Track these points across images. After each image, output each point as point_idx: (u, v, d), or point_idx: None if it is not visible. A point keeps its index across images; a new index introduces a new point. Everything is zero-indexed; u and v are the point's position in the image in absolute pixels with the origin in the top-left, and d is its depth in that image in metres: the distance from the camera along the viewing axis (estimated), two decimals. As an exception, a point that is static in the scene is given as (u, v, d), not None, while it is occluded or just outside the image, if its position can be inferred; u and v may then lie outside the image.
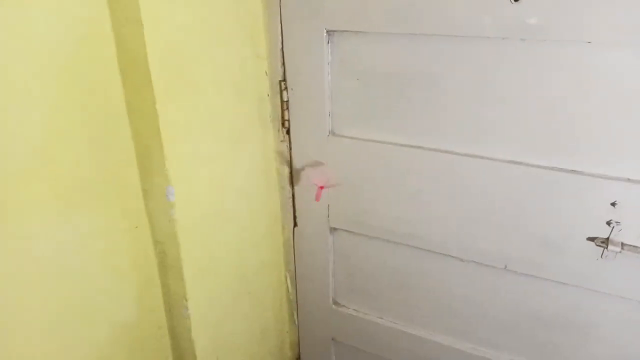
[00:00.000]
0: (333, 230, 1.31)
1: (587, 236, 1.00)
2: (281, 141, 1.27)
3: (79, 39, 0.85)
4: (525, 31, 0.90)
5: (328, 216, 1.29)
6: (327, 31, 1.10)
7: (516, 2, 0.89)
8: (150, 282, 1.10)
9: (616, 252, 0.97)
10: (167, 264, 1.07)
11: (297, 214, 1.35)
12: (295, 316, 1.49)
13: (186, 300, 1.09)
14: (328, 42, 1.11)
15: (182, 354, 1.17)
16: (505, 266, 1.11)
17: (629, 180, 0.93)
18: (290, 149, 1.27)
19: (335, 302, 1.41)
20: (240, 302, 1.29)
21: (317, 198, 1.23)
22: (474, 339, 1.23)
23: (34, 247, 0.86)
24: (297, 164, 1.28)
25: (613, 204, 0.95)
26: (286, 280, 1.46)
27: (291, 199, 1.34)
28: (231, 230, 1.20)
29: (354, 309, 1.39)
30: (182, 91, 0.97)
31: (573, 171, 0.97)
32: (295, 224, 1.36)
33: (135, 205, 1.02)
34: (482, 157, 1.04)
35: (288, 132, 1.25)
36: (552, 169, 0.99)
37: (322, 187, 1.21)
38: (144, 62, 0.88)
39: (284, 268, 1.44)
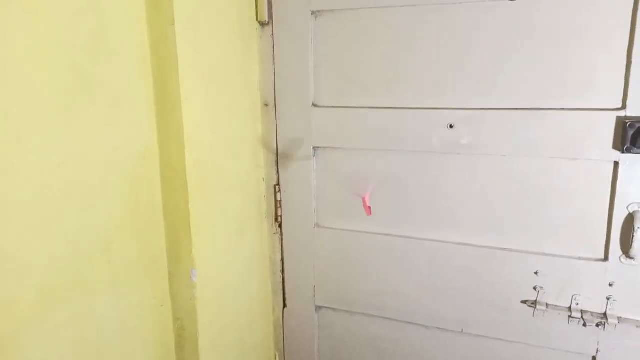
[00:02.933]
0: (318, 308, 1.54)
1: (521, 299, 1.29)
2: (274, 233, 1.54)
3: (135, 156, 1.13)
4: (459, 148, 1.27)
5: (314, 296, 1.53)
6: (314, 147, 1.43)
7: (452, 129, 1.26)
8: (167, 355, 1.27)
9: (543, 311, 1.26)
10: (184, 338, 1.26)
11: (286, 296, 1.57)
12: (284, 393, 1.65)
13: (199, 370, 1.26)
14: (314, 155, 1.44)
15: None
16: (462, 330, 1.37)
17: (545, 254, 1.26)
18: (282, 239, 1.54)
19: (321, 376, 1.60)
20: (238, 378, 1.46)
21: (368, 212, 1.38)
22: (442, 399, 1.45)
23: (89, 320, 1.05)
24: (287, 252, 1.54)
25: (536, 273, 1.26)
26: (275, 358, 1.63)
27: (281, 283, 1.57)
28: (234, 310, 1.41)
29: (338, 381, 1.58)
30: (206, 194, 1.24)
31: (504, 249, 1.29)
32: (285, 305, 1.58)
33: (161, 287, 1.23)
34: (438, 241, 1.35)
35: (280, 225, 1.53)
36: (489, 247, 1.30)
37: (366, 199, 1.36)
38: (182, 172, 1.16)
39: (274, 347, 1.63)
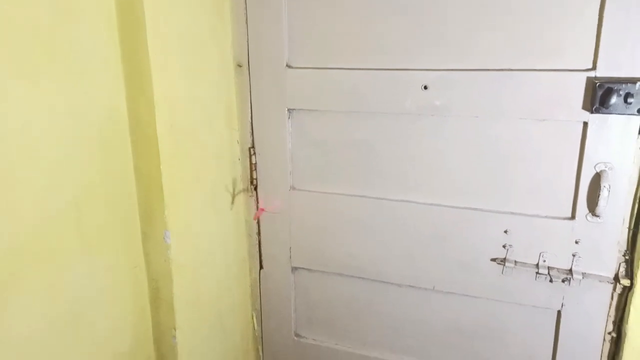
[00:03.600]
0: (294, 269, 1.56)
1: (490, 257, 1.33)
2: (250, 196, 1.54)
3: (103, 117, 1.10)
4: (433, 110, 1.27)
5: (290, 257, 1.55)
6: (288, 109, 1.42)
7: (426, 90, 1.26)
8: (142, 316, 1.28)
9: (512, 268, 1.30)
10: (159, 299, 1.27)
11: (262, 258, 1.59)
12: (261, 351, 1.69)
13: (175, 329, 1.28)
14: (289, 118, 1.43)
15: (168, 382, 1.34)
16: (434, 287, 1.41)
17: (514, 213, 1.29)
18: (257, 202, 1.54)
19: (297, 334, 1.63)
20: (215, 337, 1.48)
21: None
22: (417, 354, 1.49)
23: (63, 279, 1.05)
24: (263, 215, 1.54)
25: (505, 232, 1.30)
26: (253, 318, 1.66)
27: (257, 245, 1.59)
28: (210, 272, 1.42)
29: (313, 339, 1.62)
30: (178, 156, 1.23)
31: (474, 209, 1.31)
32: (261, 267, 1.60)
33: (135, 248, 1.23)
34: (410, 202, 1.37)
35: (256, 188, 1.53)
36: (460, 208, 1.33)
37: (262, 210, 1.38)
38: (153, 133, 1.14)
39: (251, 308, 1.65)
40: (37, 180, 0.97)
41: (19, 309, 0.96)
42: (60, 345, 1.06)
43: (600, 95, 1.12)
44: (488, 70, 1.21)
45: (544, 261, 1.28)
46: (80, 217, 1.07)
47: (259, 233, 1.57)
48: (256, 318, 1.66)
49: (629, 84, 1.09)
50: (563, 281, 1.27)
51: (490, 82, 1.21)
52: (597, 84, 1.11)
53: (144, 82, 1.12)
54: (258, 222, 1.56)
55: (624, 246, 1.22)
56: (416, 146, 1.33)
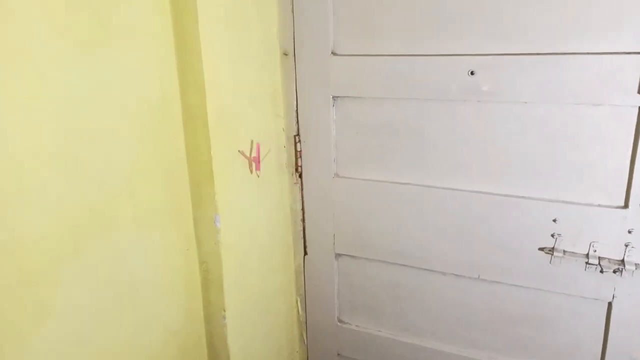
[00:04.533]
0: (338, 256, 1.59)
1: (538, 246, 1.30)
2: (294, 183, 1.57)
3: (156, 102, 1.15)
4: (480, 95, 1.26)
5: (334, 244, 1.57)
6: (333, 97, 1.43)
7: (473, 75, 1.25)
8: (193, 296, 1.34)
9: (560, 258, 1.27)
10: (209, 280, 1.33)
11: (307, 244, 1.62)
12: (305, 336, 1.72)
13: (224, 310, 1.33)
14: (333, 105, 1.45)
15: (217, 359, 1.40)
16: (479, 276, 1.39)
17: (563, 201, 1.26)
18: (302, 189, 1.57)
19: (340, 320, 1.66)
20: (261, 320, 1.52)
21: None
22: (459, 342, 1.49)
23: (119, 256, 1.11)
24: (307, 201, 1.57)
25: (554, 220, 1.27)
26: (297, 303, 1.70)
27: (302, 232, 1.62)
28: (257, 256, 1.46)
29: (357, 325, 1.64)
30: (227, 143, 1.27)
31: (522, 197, 1.29)
32: (305, 253, 1.63)
33: (186, 231, 1.29)
34: (455, 189, 1.36)
35: (300, 175, 1.56)
36: (507, 195, 1.31)
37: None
38: (204, 119, 1.19)
39: (295, 292, 1.69)
40: (95, 160, 1.02)
41: (77, 283, 1.02)
42: (115, 321, 1.12)
43: (658, 79, 1.08)
44: (538, 54, 1.18)
45: (595, 251, 1.25)
46: (135, 198, 1.13)
47: (303, 220, 1.60)
48: (300, 303, 1.69)
49: (690, 66, 1.05)
50: (614, 272, 1.24)
51: (540, 66, 1.18)
52: (655, 67, 1.07)
53: (194, 67, 1.16)
54: (303, 209, 1.59)
55: (681, 236, 1.17)
56: (462, 133, 1.32)
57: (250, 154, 1.35)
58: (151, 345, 1.23)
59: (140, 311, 1.18)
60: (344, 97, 1.43)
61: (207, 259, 1.32)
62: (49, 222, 0.95)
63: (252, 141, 1.36)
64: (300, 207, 1.59)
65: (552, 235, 1.28)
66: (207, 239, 1.29)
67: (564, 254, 1.27)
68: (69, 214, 0.99)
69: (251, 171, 1.37)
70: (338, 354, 1.69)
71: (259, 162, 1.38)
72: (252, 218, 1.42)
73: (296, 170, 1.55)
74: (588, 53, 1.14)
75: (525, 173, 1.28)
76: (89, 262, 1.04)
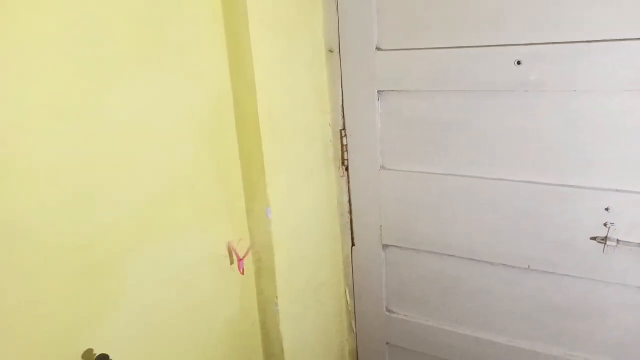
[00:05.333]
0: (385, 247, 1.62)
1: (590, 236, 1.28)
2: (341, 177, 1.61)
3: (212, 103, 1.23)
4: (527, 85, 1.25)
5: (381, 235, 1.60)
6: (378, 91, 1.46)
7: (519, 65, 1.24)
8: (247, 285, 1.41)
9: (614, 247, 1.25)
10: (262, 269, 1.39)
11: (354, 235, 1.66)
12: (354, 325, 1.77)
13: (277, 298, 1.39)
14: (378, 99, 1.47)
15: (271, 346, 1.46)
16: (529, 266, 1.39)
17: (617, 190, 1.23)
18: (349, 182, 1.61)
19: (389, 310, 1.69)
20: (312, 309, 1.58)
21: (242, 271, 1.34)
22: (508, 333, 1.49)
23: (177, 247, 1.19)
24: (354, 194, 1.61)
25: (607, 209, 1.25)
26: (346, 293, 1.75)
27: (349, 224, 1.66)
28: (305, 246, 1.51)
29: (405, 315, 1.66)
30: (276, 139, 1.32)
31: (573, 186, 1.28)
32: (353, 244, 1.67)
33: (240, 223, 1.36)
34: (502, 180, 1.36)
35: (347, 169, 1.60)
36: (558, 185, 1.29)
37: (241, 260, 1.33)
38: (255, 117, 1.25)
39: (344, 283, 1.74)
40: (156, 157, 1.10)
41: (143, 273, 1.10)
42: (176, 309, 1.20)
43: None
44: (587, 41, 1.16)
45: (651, 240, 1.22)
46: (194, 193, 1.21)
47: (350, 212, 1.64)
48: (349, 293, 1.74)
49: None
50: (673, 262, 1.21)
51: (590, 54, 1.16)
52: None
53: (246, 69, 1.23)
54: (350, 202, 1.63)
55: None
56: (510, 123, 1.31)
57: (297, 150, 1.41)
58: (209, 331, 1.31)
59: (197, 302, 1.26)
60: (389, 91, 1.45)
61: (259, 249, 1.38)
62: (117, 215, 1.04)
63: (299, 137, 1.41)
64: (347, 200, 1.63)
65: (605, 225, 1.26)
66: (259, 230, 1.36)
67: (618, 243, 1.25)
68: (135, 208, 1.07)
69: (299, 166, 1.42)
70: (387, 343, 1.72)
71: (306, 158, 1.43)
72: (302, 210, 1.47)
73: (343, 163, 1.59)
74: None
75: (576, 162, 1.26)
76: (152, 253, 1.12)
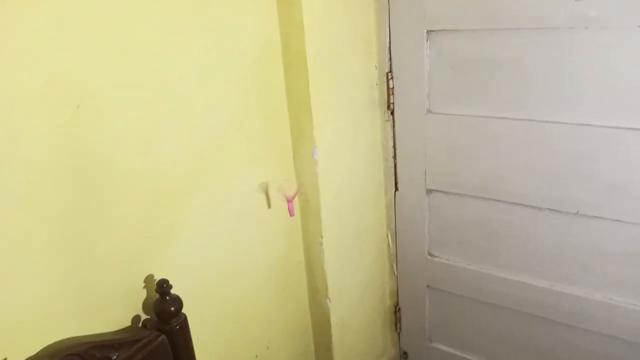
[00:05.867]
0: (429, 191, 1.62)
1: (645, 181, 1.25)
2: (386, 120, 1.60)
3: (261, 44, 1.23)
4: (587, 21, 1.19)
5: (425, 180, 1.60)
6: (427, 31, 1.42)
7: (579, 1, 1.18)
8: (294, 224, 1.46)
9: (670, 192, 1.21)
10: (308, 208, 1.43)
11: (398, 180, 1.67)
12: (395, 268, 1.81)
13: (322, 237, 1.44)
14: (427, 40, 1.44)
15: (315, 282, 1.52)
16: (577, 211, 1.37)
17: (678, 133, 1.18)
18: (394, 126, 1.60)
19: (430, 254, 1.71)
20: (354, 251, 1.62)
21: (291, 213, 1.38)
22: (551, 277, 1.49)
23: (230, 187, 1.23)
24: (399, 138, 1.60)
25: (666, 153, 1.20)
26: (387, 237, 1.78)
27: (393, 168, 1.66)
28: (351, 189, 1.54)
29: (446, 259, 1.68)
30: (323, 80, 1.32)
31: (631, 128, 1.23)
32: (396, 189, 1.68)
33: (287, 164, 1.39)
34: (557, 122, 1.32)
35: (392, 113, 1.58)
36: (614, 127, 1.25)
37: (291, 200, 1.36)
38: (303, 58, 1.25)
39: (386, 227, 1.76)
40: (209, 102, 1.14)
41: (199, 206, 1.16)
42: (227, 245, 1.25)
43: None
44: (658, -29, 1.09)
45: None
46: (243, 134, 1.24)
47: (394, 157, 1.64)
48: (391, 237, 1.77)
49: None
50: None
51: (660, -14, 1.09)
52: None
53: (295, 12, 1.23)
54: (394, 146, 1.63)
55: None
56: (567, 63, 1.26)
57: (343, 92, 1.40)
58: (257, 266, 1.37)
59: (247, 240, 1.31)
60: (439, 30, 1.41)
61: (306, 190, 1.41)
62: (178, 152, 1.08)
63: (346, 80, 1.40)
64: (392, 144, 1.63)
65: (663, 169, 1.22)
66: (305, 171, 1.39)
67: (675, 188, 1.21)
68: (194, 145, 1.12)
69: (344, 108, 1.43)
70: (427, 286, 1.76)
71: (351, 100, 1.43)
72: (347, 152, 1.49)
73: (388, 107, 1.58)
74: None
75: (635, 103, 1.21)
76: (210, 191, 1.17)
